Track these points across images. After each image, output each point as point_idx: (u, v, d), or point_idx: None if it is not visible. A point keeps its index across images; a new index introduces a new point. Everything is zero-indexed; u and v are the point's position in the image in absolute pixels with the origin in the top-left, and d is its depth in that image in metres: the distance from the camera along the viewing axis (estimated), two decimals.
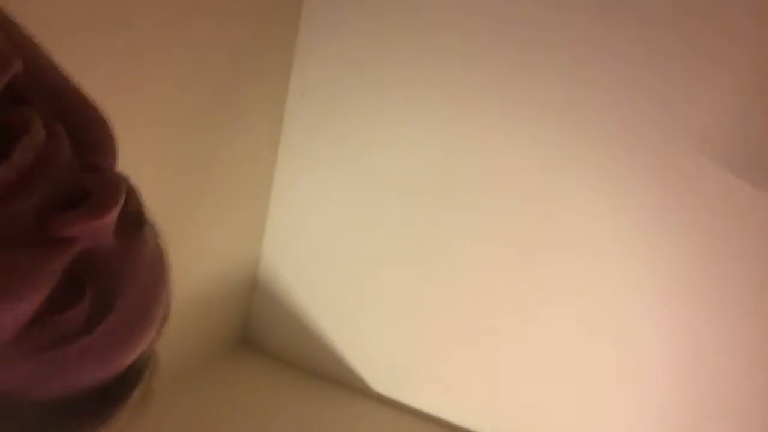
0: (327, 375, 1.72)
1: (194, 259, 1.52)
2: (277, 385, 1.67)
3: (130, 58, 1.19)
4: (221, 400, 1.57)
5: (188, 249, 1.50)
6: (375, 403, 1.67)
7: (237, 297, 1.76)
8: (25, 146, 0.31)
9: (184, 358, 1.56)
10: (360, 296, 1.68)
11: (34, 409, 0.35)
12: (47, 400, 0.35)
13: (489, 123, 1.47)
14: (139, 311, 0.37)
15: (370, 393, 1.69)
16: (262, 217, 1.73)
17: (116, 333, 0.35)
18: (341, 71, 1.60)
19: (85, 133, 0.35)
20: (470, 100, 1.48)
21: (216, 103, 1.46)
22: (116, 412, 0.40)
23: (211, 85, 1.43)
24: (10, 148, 0.31)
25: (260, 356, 1.77)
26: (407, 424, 1.62)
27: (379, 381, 1.69)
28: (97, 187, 0.32)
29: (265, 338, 1.80)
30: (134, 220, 0.37)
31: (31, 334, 0.32)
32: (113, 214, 0.32)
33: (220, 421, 1.49)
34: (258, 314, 1.80)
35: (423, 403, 1.65)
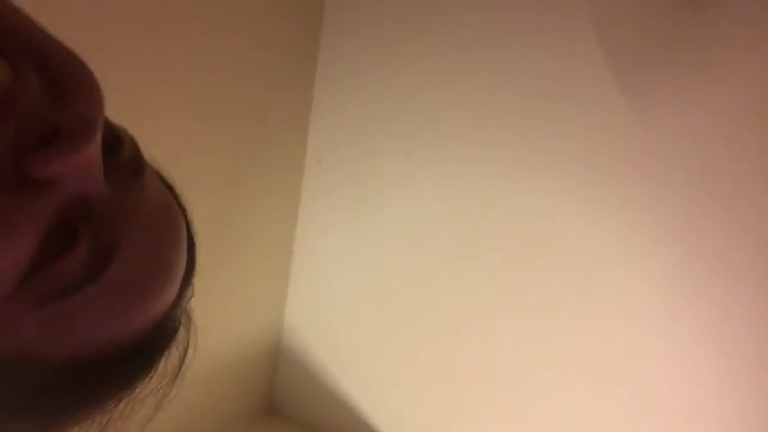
0: None
1: (217, 327, 1.51)
2: None
3: (144, 120, 1.22)
4: None
5: (210, 317, 1.49)
6: None
7: (261, 364, 1.75)
8: None
9: (209, 426, 1.54)
10: (386, 361, 1.66)
11: (52, 373, 0.34)
12: (65, 362, 0.34)
13: (505, 178, 1.48)
14: (146, 258, 0.35)
15: None
16: (283, 282, 1.73)
17: (122, 282, 0.34)
18: (356, 135, 1.62)
19: (64, 82, 0.33)
20: (485, 155, 1.49)
21: (234, 169, 1.49)
22: (145, 374, 0.38)
23: (229, 152, 1.46)
24: None
25: (286, 424, 1.74)
26: None
27: None
28: (68, 122, 0.31)
29: (291, 405, 1.77)
30: (130, 168, 0.36)
31: (28, 286, 0.30)
32: (88, 149, 0.31)
33: None
34: (282, 381, 1.78)
35: None
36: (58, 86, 0.33)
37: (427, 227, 1.57)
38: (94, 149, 0.31)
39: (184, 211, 0.42)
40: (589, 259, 1.43)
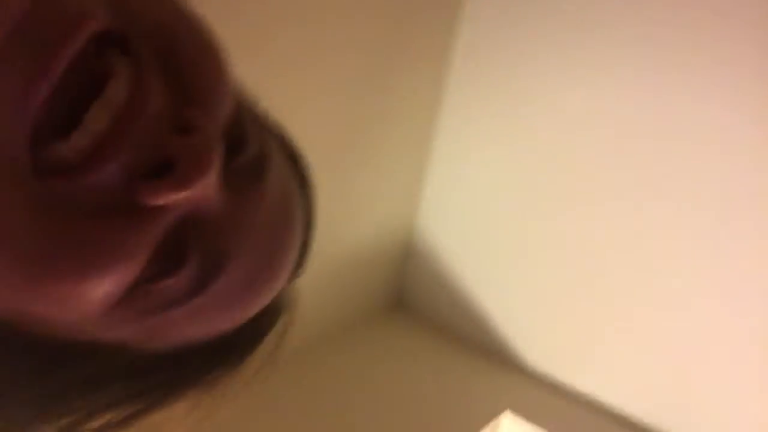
0: (479, 344, 1.70)
1: (351, 221, 1.55)
2: (427, 350, 1.68)
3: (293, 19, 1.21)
4: (370, 361, 1.60)
5: (345, 211, 1.53)
6: (525, 378, 1.63)
7: (392, 260, 1.78)
8: (99, 110, 0.28)
9: (336, 319, 1.60)
10: (519, 267, 1.63)
11: (151, 361, 0.34)
12: (165, 352, 0.35)
13: (678, 85, 1.35)
14: (256, 266, 0.35)
15: (521, 367, 1.65)
16: (419, 180, 1.72)
17: (229, 291, 0.34)
18: (512, 26, 1.52)
19: (188, 80, 0.32)
20: (656, 60, 1.36)
21: (378, 59, 1.45)
22: (239, 361, 0.39)
23: (371, 44, 1.42)
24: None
25: (413, 320, 1.78)
26: (558, 401, 1.57)
27: (532, 356, 1.64)
28: (183, 156, 0.29)
29: (419, 303, 1.80)
30: (252, 170, 0.35)
31: (132, 300, 0.31)
32: (202, 187, 0.30)
33: (366, 381, 1.52)
34: (412, 278, 1.80)
35: (577, 382, 1.59)
36: (182, 84, 0.31)
37: (578, 131, 1.48)
38: (208, 182, 0.30)
39: (307, 187, 0.41)
40: (748, 193, 1.30)
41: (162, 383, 0.36)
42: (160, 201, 0.29)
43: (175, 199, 0.29)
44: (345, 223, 1.52)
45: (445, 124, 1.66)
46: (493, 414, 1.48)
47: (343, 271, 1.57)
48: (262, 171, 0.35)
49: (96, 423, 0.34)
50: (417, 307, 1.80)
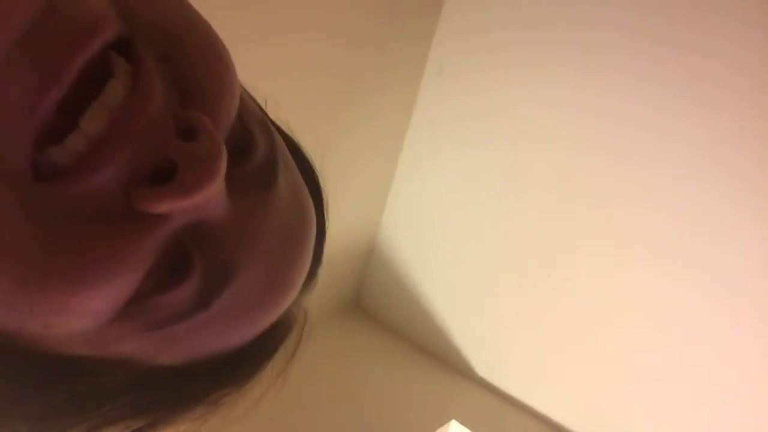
0: (431, 350, 1.73)
1: None
2: (381, 353, 1.70)
3: (258, 30, 1.22)
4: (324, 360, 1.61)
5: None
6: (473, 387, 1.66)
7: (353, 263, 1.80)
8: (96, 112, 0.26)
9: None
10: (474, 278, 1.66)
11: (157, 376, 0.33)
12: (171, 367, 0.33)
13: (634, 113, 1.39)
14: (267, 280, 0.33)
15: (470, 376, 1.68)
16: (386, 186, 1.75)
17: (237, 306, 0.32)
18: (483, 49, 1.56)
19: (191, 83, 0.30)
20: (618, 89, 1.40)
21: (351, 72, 1.48)
22: (250, 376, 0.37)
23: (348, 56, 1.44)
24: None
25: (369, 322, 1.80)
26: (501, 412, 1.60)
27: (481, 365, 1.67)
28: (186, 161, 0.27)
29: (376, 306, 1.82)
30: (261, 176, 0.32)
31: (133, 314, 0.29)
32: (205, 195, 0.28)
33: (320, 380, 1.53)
34: (371, 282, 1.82)
35: (523, 394, 1.62)
36: (185, 88, 0.29)
37: (540, 152, 1.52)
38: (215, 188, 0.28)
39: (318, 194, 0.39)
40: (707, 199, 1.35)
41: (165, 400, 0.34)
42: (161, 209, 0.27)
43: (176, 207, 0.27)
44: None
45: (413, 137, 1.69)
46: (439, 422, 1.51)
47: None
48: (271, 178, 0.33)
49: None
50: (374, 309, 1.83)
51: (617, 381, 1.49)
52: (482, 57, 1.57)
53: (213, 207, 0.29)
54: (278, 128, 0.39)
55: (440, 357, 1.72)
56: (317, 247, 0.39)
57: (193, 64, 0.30)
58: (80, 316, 0.27)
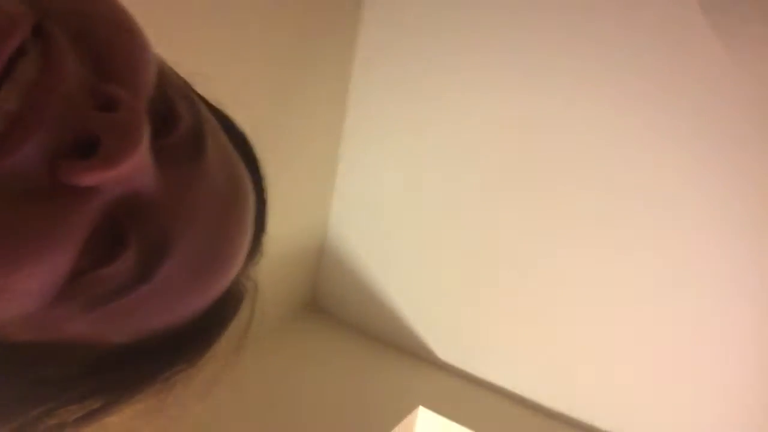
0: (391, 342, 1.74)
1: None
2: (342, 350, 1.70)
3: (186, 30, 1.20)
4: (286, 363, 1.61)
5: None
6: (437, 372, 1.68)
7: (305, 263, 1.79)
8: (8, 90, 0.26)
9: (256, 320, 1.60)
10: (427, 265, 1.68)
11: (105, 356, 0.33)
12: (118, 346, 0.33)
13: (564, 91, 1.43)
14: (207, 250, 0.33)
15: (433, 361, 1.70)
16: (330, 182, 1.74)
17: (179, 276, 0.32)
18: (409, 37, 1.57)
19: (105, 57, 0.30)
20: (547, 67, 1.43)
21: (282, 76, 1.47)
22: (203, 350, 0.37)
23: (275, 58, 1.44)
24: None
25: (328, 321, 1.80)
26: (467, 394, 1.62)
27: (442, 350, 1.70)
28: (107, 132, 0.27)
29: (333, 304, 1.82)
30: (188, 146, 0.32)
31: (72, 292, 0.29)
32: (129, 164, 0.28)
33: (283, 383, 1.53)
34: (325, 280, 1.82)
35: (486, 372, 1.65)
36: (100, 63, 0.29)
37: (479, 133, 1.54)
38: (138, 158, 0.28)
39: (256, 166, 0.40)
40: (639, 178, 1.39)
41: (119, 380, 0.34)
42: (87, 181, 0.27)
43: (102, 178, 0.28)
44: None
45: (351, 130, 1.69)
46: (407, 410, 1.52)
47: (257, 275, 1.57)
48: (199, 148, 0.33)
49: (52, 421, 0.32)
50: (331, 307, 1.82)
51: (579, 353, 1.52)
52: (409, 44, 1.57)
53: (141, 178, 0.29)
54: (208, 103, 0.39)
55: (402, 347, 1.73)
56: (260, 218, 0.39)
57: (105, 39, 0.30)
58: (19, 297, 0.27)
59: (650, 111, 1.36)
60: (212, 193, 0.33)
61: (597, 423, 1.53)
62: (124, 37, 0.31)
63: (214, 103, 0.40)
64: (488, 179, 1.55)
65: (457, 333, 1.67)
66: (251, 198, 0.37)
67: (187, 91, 0.36)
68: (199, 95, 0.38)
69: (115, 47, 0.30)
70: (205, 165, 0.33)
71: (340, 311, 1.81)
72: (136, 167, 0.28)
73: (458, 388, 1.63)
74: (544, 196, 1.50)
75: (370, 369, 1.65)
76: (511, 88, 1.48)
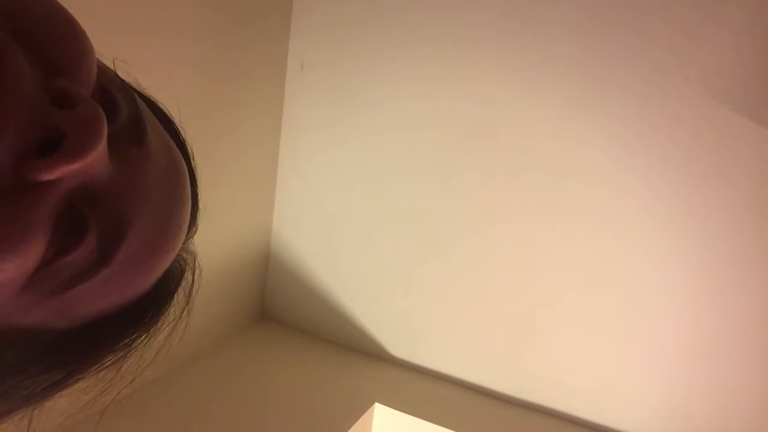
0: (345, 343, 1.75)
1: (208, 240, 1.54)
2: (295, 356, 1.70)
3: (122, 35, 1.19)
4: (240, 372, 1.60)
5: (202, 230, 1.52)
6: (390, 369, 1.70)
7: (252, 273, 1.79)
8: None
9: (204, 334, 1.59)
10: (373, 264, 1.70)
11: (67, 334, 0.34)
12: (79, 325, 0.34)
13: (495, 80, 1.47)
14: (157, 225, 0.35)
15: (385, 359, 1.72)
16: (270, 190, 1.75)
17: (135, 255, 0.34)
18: (340, 37, 1.59)
19: (53, 53, 0.31)
20: (475, 57, 1.47)
21: (216, 80, 1.47)
22: (155, 320, 0.40)
23: (208, 64, 1.43)
24: None
25: (278, 328, 1.80)
26: (421, 386, 1.65)
27: (393, 347, 1.72)
28: (71, 128, 0.29)
29: (282, 310, 1.82)
30: (130, 133, 0.34)
31: (38, 281, 0.30)
32: (95, 154, 0.29)
33: (238, 393, 1.52)
34: (273, 288, 1.82)
35: (439, 364, 1.68)
36: (45, 58, 0.30)
37: (415, 129, 1.57)
38: (100, 150, 0.30)
39: (182, 145, 0.42)
40: (579, 173, 1.45)
41: (79, 356, 0.36)
42: (56, 175, 0.29)
43: (69, 171, 0.29)
44: (202, 240, 1.51)
45: (288, 136, 1.70)
46: (363, 408, 1.53)
47: (205, 288, 1.56)
48: (141, 133, 0.34)
49: (19, 392, 0.34)
50: (281, 313, 1.83)
51: (525, 336, 1.57)
52: (341, 46, 1.60)
53: (98, 167, 0.31)
54: (134, 88, 0.41)
55: (354, 347, 1.74)
56: (194, 194, 0.41)
57: (45, 32, 0.31)
58: None
59: (584, 114, 1.41)
60: (157, 175, 0.35)
61: (548, 404, 1.58)
62: (63, 28, 0.32)
63: (137, 87, 0.42)
64: (426, 176, 1.58)
65: (406, 328, 1.70)
66: (188, 176, 0.39)
67: (116, 77, 0.37)
68: (124, 81, 0.40)
69: (55, 40, 0.31)
70: (148, 149, 0.34)
71: (291, 316, 1.81)
72: (98, 157, 0.30)
73: (412, 382, 1.66)
74: (479, 189, 1.54)
75: (324, 370, 1.66)
76: (440, 80, 1.52)
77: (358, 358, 1.71)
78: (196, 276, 0.45)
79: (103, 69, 0.35)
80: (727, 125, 1.30)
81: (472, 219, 1.56)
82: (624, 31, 1.34)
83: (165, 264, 0.37)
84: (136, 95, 0.37)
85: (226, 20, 1.45)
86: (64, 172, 0.29)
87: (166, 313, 0.41)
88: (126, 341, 0.38)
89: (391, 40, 1.54)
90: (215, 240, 1.57)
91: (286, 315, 1.82)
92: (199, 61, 1.40)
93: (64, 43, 0.31)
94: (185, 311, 0.43)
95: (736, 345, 1.39)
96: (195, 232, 0.43)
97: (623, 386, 1.50)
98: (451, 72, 1.50)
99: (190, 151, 0.43)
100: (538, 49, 1.42)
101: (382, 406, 1.55)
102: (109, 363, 0.38)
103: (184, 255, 0.42)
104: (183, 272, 0.42)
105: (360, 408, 1.53)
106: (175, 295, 0.41)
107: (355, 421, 1.49)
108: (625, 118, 1.38)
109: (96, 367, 0.37)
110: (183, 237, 0.38)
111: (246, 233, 1.74)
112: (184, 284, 0.43)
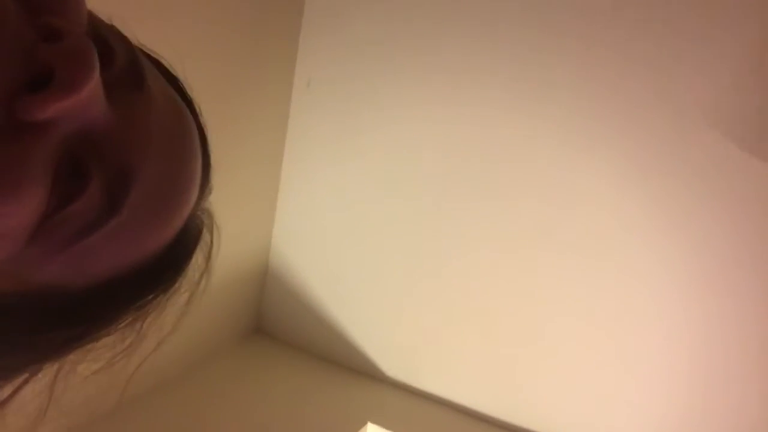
0: (340, 360, 1.74)
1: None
2: (289, 371, 1.70)
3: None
4: (234, 387, 1.60)
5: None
6: (384, 388, 1.69)
7: (249, 286, 1.78)
8: None
9: (199, 346, 1.59)
10: (371, 282, 1.70)
11: (80, 295, 0.33)
12: (93, 284, 0.33)
13: (496, 106, 1.48)
14: (165, 175, 0.33)
15: (380, 378, 1.72)
16: (271, 205, 1.75)
17: (145, 206, 0.32)
18: (347, 57, 1.60)
19: None
20: (479, 83, 1.48)
21: (223, 94, 1.48)
22: (173, 280, 0.39)
23: (215, 78, 1.44)
24: None
25: (273, 343, 1.80)
26: (415, 408, 1.64)
27: (388, 367, 1.71)
28: (61, 61, 0.27)
29: (277, 325, 1.82)
30: (129, 79, 0.32)
31: (44, 233, 0.29)
32: (87, 89, 0.28)
33: (232, 407, 1.51)
34: (270, 302, 1.82)
35: (433, 386, 1.67)
36: (36, 1, 0.29)
37: (417, 150, 1.58)
38: (93, 85, 0.28)
39: (190, 102, 0.40)
40: (576, 199, 1.45)
41: (97, 314, 0.35)
42: (48, 113, 0.27)
43: (62, 107, 0.27)
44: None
45: (292, 152, 1.70)
46: (356, 427, 1.53)
47: (200, 299, 1.56)
48: (140, 79, 0.33)
49: (35, 355, 0.33)
50: (277, 329, 1.82)
51: (521, 362, 1.57)
52: (348, 66, 1.61)
53: (94, 109, 0.29)
54: (132, 41, 0.40)
55: (349, 365, 1.74)
56: (205, 151, 0.39)
57: None
58: None
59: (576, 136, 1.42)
60: (161, 122, 0.33)
61: (541, 429, 1.57)
62: None
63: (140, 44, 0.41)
64: (427, 199, 1.59)
65: (402, 349, 1.69)
66: (195, 127, 0.37)
67: (116, 29, 0.36)
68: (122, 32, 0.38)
69: None
70: (148, 95, 0.33)
71: (286, 332, 1.81)
72: (91, 94, 0.28)
73: (405, 403, 1.65)
74: (478, 213, 1.54)
75: (319, 388, 1.65)
76: (445, 104, 1.53)
77: (352, 377, 1.70)
78: (214, 237, 0.43)
79: (97, 18, 0.34)
80: (724, 153, 1.31)
81: (470, 242, 1.56)
82: (625, 60, 1.36)
83: (179, 217, 0.36)
84: (134, 45, 0.36)
85: (234, 36, 1.46)
86: (57, 109, 0.27)
87: (185, 272, 0.39)
88: (144, 299, 0.37)
89: (396, 63, 1.56)
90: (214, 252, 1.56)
91: (282, 330, 1.81)
92: (206, 76, 1.41)
93: None
94: (204, 274, 0.42)
95: (735, 372, 1.39)
96: (210, 191, 0.42)
97: (620, 410, 1.49)
98: (454, 96, 1.52)
99: (198, 108, 0.41)
100: (538, 77, 1.43)
101: (375, 426, 1.54)
102: (128, 321, 0.37)
103: (201, 214, 0.41)
104: (200, 231, 0.41)
105: (353, 427, 1.52)
106: (193, 254, 0.40)
107: None
108: (623, 147, 1.39)
109: (113, 325, 0.36)
110: (196, 191, 0.37)
111: (245, 247, 1.74)
112: (203, 245, 0.41)
